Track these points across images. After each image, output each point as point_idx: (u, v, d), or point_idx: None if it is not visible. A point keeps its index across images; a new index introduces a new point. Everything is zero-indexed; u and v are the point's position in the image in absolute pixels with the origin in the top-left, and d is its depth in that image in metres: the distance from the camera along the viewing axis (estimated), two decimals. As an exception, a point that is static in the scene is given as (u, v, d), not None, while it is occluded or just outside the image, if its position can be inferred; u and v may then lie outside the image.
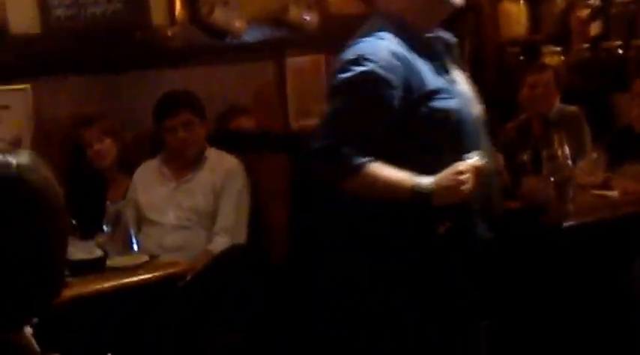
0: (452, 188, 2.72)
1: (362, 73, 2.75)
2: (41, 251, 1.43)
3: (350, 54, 2.82)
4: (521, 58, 6.03)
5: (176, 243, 4.25)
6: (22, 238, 1.41)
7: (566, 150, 3.92)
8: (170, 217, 4.32)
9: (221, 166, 4.39)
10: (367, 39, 2.84)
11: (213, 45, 5.06)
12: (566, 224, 3.85)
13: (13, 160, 1.43)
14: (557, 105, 5.04)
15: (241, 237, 4.29)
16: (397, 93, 2.75)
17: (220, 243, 4.20)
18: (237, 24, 5.06)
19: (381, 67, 2.75)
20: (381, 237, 2.84)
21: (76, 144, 4.55)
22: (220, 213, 4.31)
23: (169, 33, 4.97)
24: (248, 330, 4.08)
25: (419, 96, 2.78)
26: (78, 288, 3.46)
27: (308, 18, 5.31)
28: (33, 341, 1.65)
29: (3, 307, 1.42)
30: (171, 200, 4.35)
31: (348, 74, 2.77)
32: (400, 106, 2.76)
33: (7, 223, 1.40)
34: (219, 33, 5.06)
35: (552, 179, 3.92)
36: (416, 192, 2.70)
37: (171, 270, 3.77)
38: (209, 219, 4.31)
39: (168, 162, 4.45)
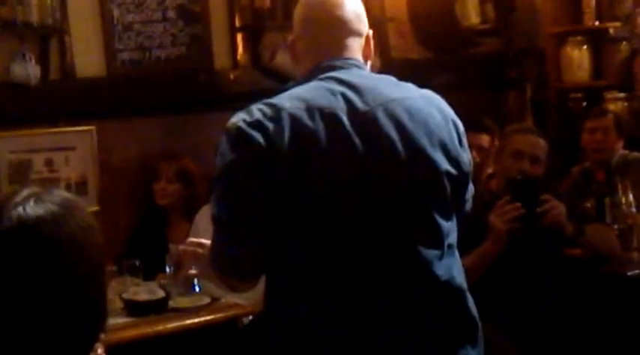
0: None
1: None
2: (74, 298, 1.42)
3: None
4: (584, 103, 5.97)
5: (237, 284, 4.25)
6: (49, 287, 1.39)
7: (631, 197, 3.89)
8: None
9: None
10: None
11: (274, 88, 5.06)
12: (630, 273, 3.80)
13: (27, 213, 1.40)
14: (620, 151, 4.92)
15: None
16: None
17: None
18: (299, 68, 5.10)
19: None
20: None
21: (149, 175, 4.61)
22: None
23: (232, 76, 5.02)
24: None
25: None
26: (140, 329, 3.49)
27: (369, 62, 5.32)
28: None
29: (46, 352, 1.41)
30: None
31: None
32: None
33: (27, 274, 1.38)
34: (281, 77, 5.10)
35: (616, 227, 3.88)
36: None
37: (232, 312, 3.77)
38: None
39: (230, 204, 4.46)
